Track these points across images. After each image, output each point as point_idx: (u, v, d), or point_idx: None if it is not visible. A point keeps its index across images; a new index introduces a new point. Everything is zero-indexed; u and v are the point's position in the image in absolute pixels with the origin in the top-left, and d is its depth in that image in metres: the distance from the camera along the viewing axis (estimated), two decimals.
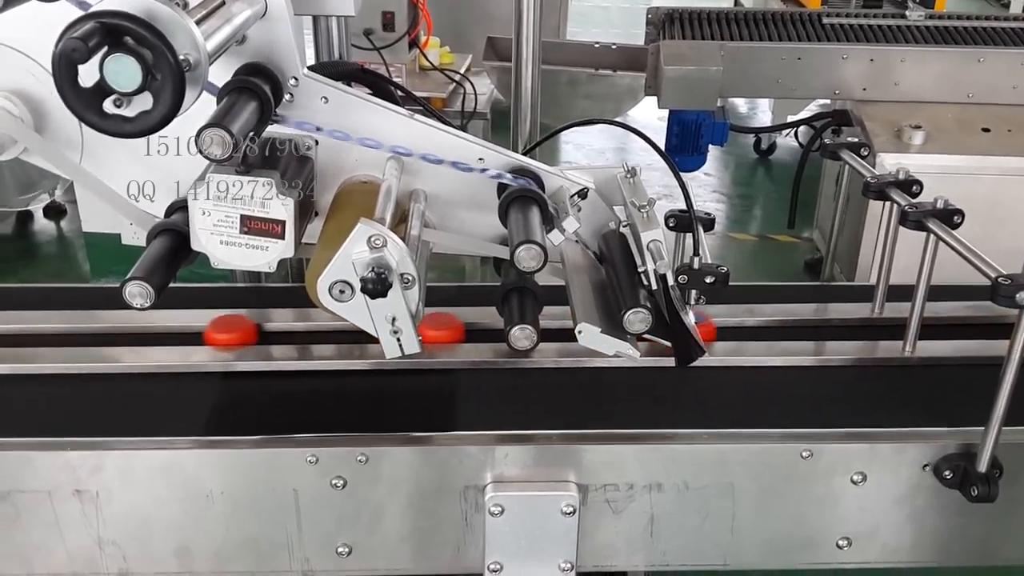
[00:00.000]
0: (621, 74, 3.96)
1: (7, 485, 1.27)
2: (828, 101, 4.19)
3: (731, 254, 5.53)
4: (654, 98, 3.68)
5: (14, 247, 5.39)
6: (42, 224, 5.62)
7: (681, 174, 3.83)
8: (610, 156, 6.87)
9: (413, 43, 4.01)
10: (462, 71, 4.38)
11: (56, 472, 1.27)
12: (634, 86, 3.92)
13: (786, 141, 6.85)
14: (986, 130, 3.50)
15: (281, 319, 1.61)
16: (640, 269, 1.34)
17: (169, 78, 0.99)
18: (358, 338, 1.44)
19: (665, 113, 3.76)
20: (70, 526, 1.30)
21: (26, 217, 5.60)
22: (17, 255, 5.30)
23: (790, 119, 4.94)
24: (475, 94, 4.11)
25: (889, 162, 3.29)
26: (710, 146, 3.92)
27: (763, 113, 7.73)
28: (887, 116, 3.55)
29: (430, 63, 4.32)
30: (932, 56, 3.57)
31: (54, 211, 5.64)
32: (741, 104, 8.08)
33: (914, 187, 1.48)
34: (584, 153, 6.95)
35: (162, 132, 1.32)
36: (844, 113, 3.76)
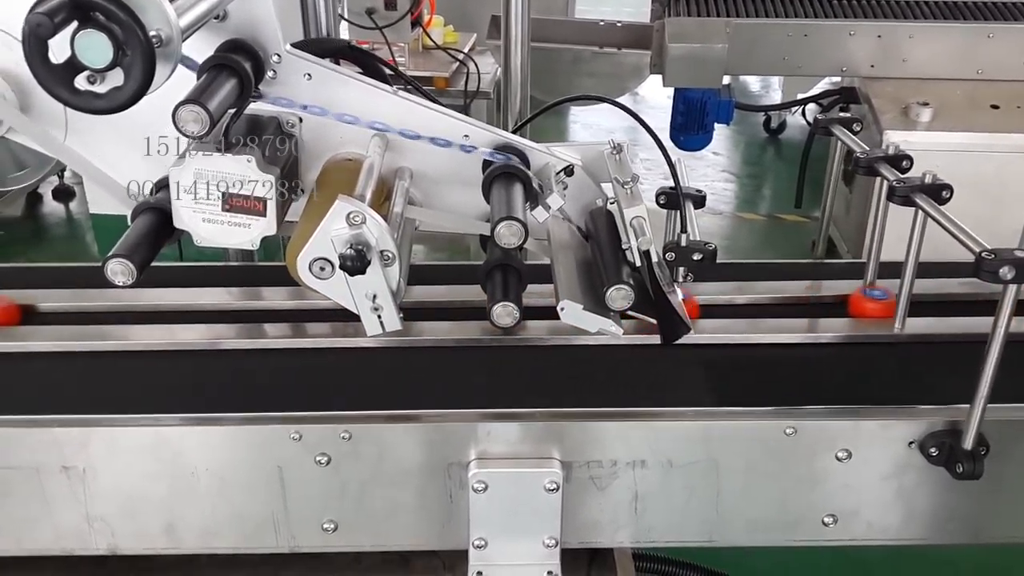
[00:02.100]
0: (626, 52, 3.94)
1: None
2: (837, 79, 4.15)
3: (739, 234, 5.51)
4: (659, 76, 3.65)
5: (24, 228, 5.44)
6: (51, 206, 5.67)
7: (687, 152, 3.81)
8: (620, 136, 6.83)
9: (416, 22, 3.99)
10: (466, 50, 4.36)
11: (43, 449, 1.28)
12: (639, 64, 3.90)
13: (796, 120, 6.80)
14: (995, 107, 3.46)
15: (271, 297, 1.62)
16: (624, 246, 1.33)
17: (139, 54, 0.98)
18: (342, 316, 1.44)
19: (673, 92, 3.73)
20: (58, 502, 1.31)
21: (35, 199, 5.65)
22: (27, 236, 5.35)
23: (800, 97, 4.90)
24: (479, 73, 4.10)
25: (895, 139, 3.26)
26: (718, 125, 3.89)
27: (774, 92, 7.67)
28: (895, 93, 3.51)
29: (433, 42, 4.31)
30: (941, 32, 3.53)
31: (63, 193, 5.68)
32: (753, 82, 8.02)
33: (904, 162, 1.46)
34: (592, 133, 6.92)
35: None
36: (852, 91, 3.73)
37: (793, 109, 6.06)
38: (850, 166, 3.82)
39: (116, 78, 1.02)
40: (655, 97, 5.75)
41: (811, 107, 5.36)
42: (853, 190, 3.96)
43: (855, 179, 3.95)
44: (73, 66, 0.99)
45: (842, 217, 4.16)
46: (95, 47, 0.97)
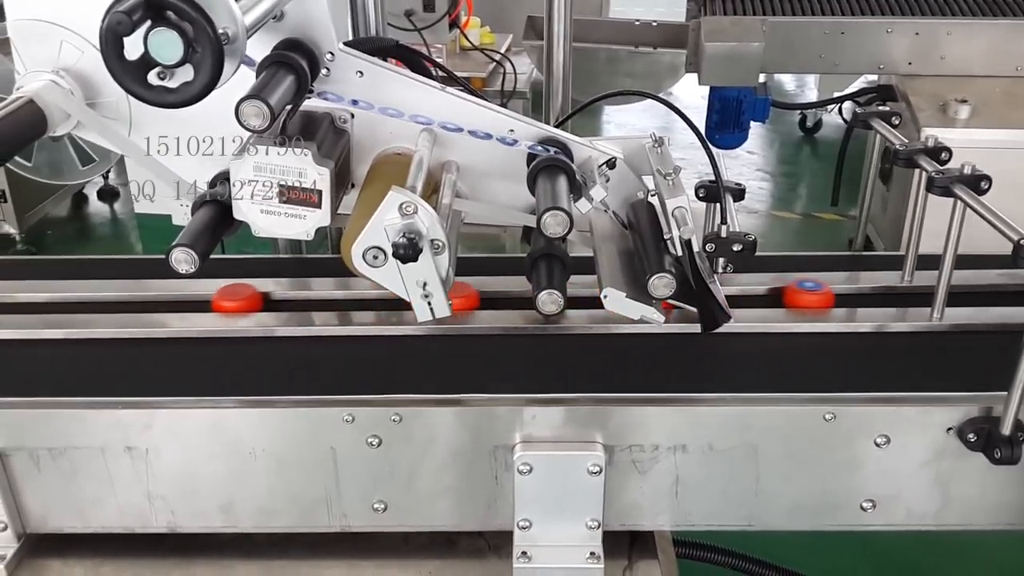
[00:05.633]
0: (662, 51, 3.95)
1: (63, 442, 1.34)
2: (874, 77, 4.14)
3: (775, 232, 5.50)
4: (695, 75, 3.67)
5: (70, 228, 5.58)
6: (96, 206, 5.81)
7: (722, 150, 3.83)
8: None
9: (454, 23, 4.05)
10: (502, 51, 4.42)
11: (108, 430, 1.34)
12: (675, 63, 3.91)
13: (832, 118, 6.77)
14: None
15: (321, 287, 1.68)
16: (666, 236, 1.37)
17: (209, 51, 1.04)
18: (391, 305, 1.50)
19: (706, 91, 3.75)
20: (121, 482, 1.37)
21: (81, 199, 5.79)
22: (73, 236, 5.48)
23: (836, 95, 4.88)
24: (515, 74, 4.15)
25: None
26: (753, 123, 3.90)
27: (810, 91, 7.64)
28: (933, 90, 3.50)
29: (470, 43, 4.37)
30: (979, 28, 3.52)
31: (108, 193, 5.82)
32: (788, 81, 7.99)
33: (943, 154, 1.48)
34: (626, 133, 6.93)
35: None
36: (889, 88, 3.72)
37: (830, 107, 6.04)
38: (887, 161, 3.82)
39: (184, 74, 1.08)
40: (688, 96, 5.75)
41: (847, 105, 5.35)
42: (891, 187, 3.95)
43: (892, 176, 3.94)
44: (146, 63, 1.05)
45: (879, 215, 4.15)
46: (167, 44, 1.03)
